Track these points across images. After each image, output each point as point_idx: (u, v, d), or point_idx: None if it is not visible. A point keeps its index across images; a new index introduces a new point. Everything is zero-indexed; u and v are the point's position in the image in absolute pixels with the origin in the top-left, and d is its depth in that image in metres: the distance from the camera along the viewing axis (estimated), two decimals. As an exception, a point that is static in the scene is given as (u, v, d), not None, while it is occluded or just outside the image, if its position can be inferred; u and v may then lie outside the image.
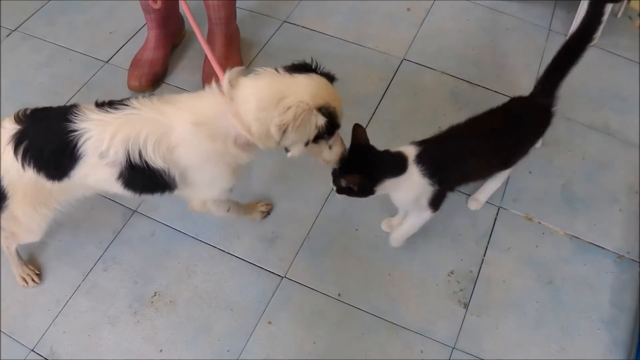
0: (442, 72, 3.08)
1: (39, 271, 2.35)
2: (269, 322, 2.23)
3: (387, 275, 2.36)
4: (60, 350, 2.18)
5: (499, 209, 2.55)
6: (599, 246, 2.46)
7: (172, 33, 3.02)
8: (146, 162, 1.80)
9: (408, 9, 3.40)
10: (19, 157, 1.81)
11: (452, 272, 2.37)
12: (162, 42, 2.98)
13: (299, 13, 3.35)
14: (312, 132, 1.80)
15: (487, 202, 2.54)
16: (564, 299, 2.32)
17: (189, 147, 1.84)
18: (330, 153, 1.98)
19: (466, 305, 2.29)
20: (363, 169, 2.00)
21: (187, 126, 1.80)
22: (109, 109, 1.83)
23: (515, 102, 2.30)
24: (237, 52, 3.03)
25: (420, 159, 2.03)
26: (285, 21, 3.30)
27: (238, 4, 2.98)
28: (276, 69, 1.84)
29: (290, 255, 2.40)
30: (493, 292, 2.33)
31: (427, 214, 2.20)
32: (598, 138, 2.83)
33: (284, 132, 1.75)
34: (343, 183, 2.00)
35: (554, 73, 2.23)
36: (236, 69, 1.85)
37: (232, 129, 1.82)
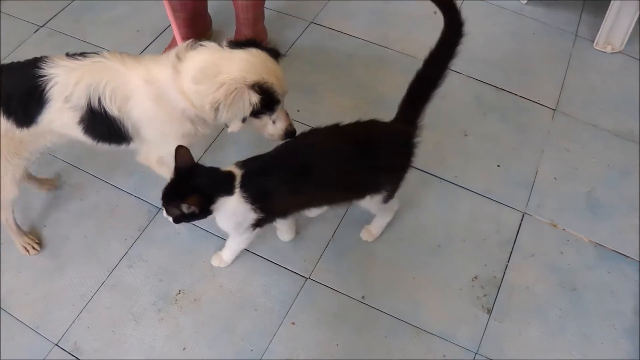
0: (467, 76, 3.07)
1: (38, 240, 2.42)
2: (293, 323, 2.24)
3: (412, 278, 2.35)
4: (84, 345, 2.20)
5: (523, 215, 2.54)
6: (623, 254, 2.45)
7: (199, 33, 3.02)
8: (104, 108, 1.87)
9: (435, 12, 3.38)
10: None
11: (476, 277, 2.36)
12: (189, 41, 2.99)
13: (326, 14, 3.36)
14: (246, 110, 1.84)
15: (511, 207, 2.55)
16: (587, 306, 2.31)
17: (138, 102, 1.90)
18: (275, 128, 2.02)
19: (489, 311, 2.28)
20: (197, 188, 1.89)
21: (139, 82, 1.88)
22: (78, 57, 1.91)
23: (370, 125, 2.07)
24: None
25: (243, 184, 1.92)
26: (312, 22, 3.31)
27: (266, 4, 2.99)
28: (220, 44, 1.90)
29: (314, 256, 2.40)
30: (516, 298, 2.32)
31: (248, 235, 2.15)
32: (623, 145, 2.81)
33: (217, 110, 1.80)
34: (184, 208, 1.85)
35: (414, 97, 2.05)
36: (187, 42, 1.91)
37: (180, 102, 1.89)
